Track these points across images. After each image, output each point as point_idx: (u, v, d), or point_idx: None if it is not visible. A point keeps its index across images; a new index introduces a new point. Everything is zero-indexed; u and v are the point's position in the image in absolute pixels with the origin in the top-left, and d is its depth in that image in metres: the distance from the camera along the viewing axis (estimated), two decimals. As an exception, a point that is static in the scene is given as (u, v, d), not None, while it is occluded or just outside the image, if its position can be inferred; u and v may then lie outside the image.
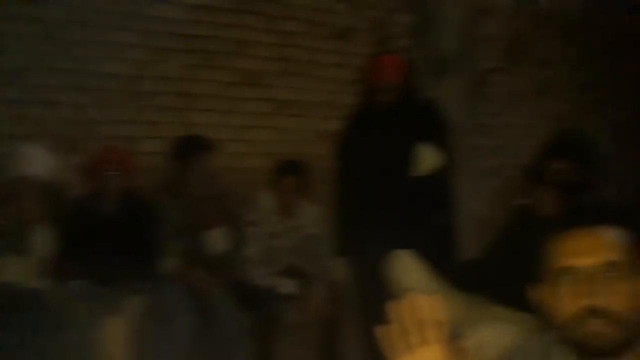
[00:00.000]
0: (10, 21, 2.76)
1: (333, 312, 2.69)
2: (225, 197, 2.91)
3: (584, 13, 5.16)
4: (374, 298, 2.15)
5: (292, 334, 2.75)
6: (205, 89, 3.30)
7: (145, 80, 3.11)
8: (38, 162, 2.40)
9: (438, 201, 2.53)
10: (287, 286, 2.67)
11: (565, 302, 0.96)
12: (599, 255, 0.95)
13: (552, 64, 4.96)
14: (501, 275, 2.12)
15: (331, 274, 2.78)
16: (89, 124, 2.94)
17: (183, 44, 3.19)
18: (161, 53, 3.13)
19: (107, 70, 2.99)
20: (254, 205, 2.75)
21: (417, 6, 4.01)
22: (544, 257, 1.02)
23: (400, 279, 2.16)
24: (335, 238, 2.72)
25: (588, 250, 0.96)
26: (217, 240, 2.69)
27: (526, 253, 1.53)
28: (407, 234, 2.33)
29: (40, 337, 2.11)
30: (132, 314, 2.32)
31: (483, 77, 4.39)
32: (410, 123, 2.54)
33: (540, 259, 1.03)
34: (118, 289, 2.33)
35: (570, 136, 2.53)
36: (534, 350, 1.08)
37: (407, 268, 2.18)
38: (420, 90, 2.91)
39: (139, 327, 2.19)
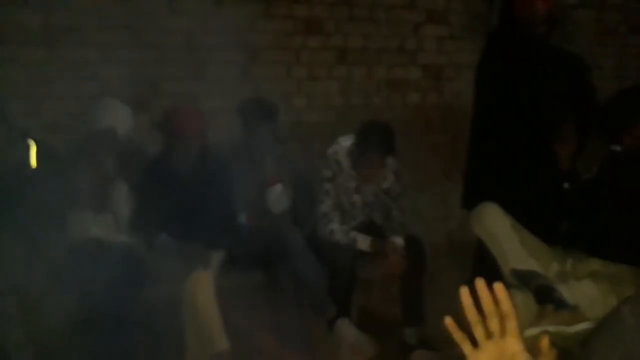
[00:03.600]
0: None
1: (412, 268, 2.56)
2: (289, 154, 2.84)
3: None
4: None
5: (370, 290, 2.68)
6: (265, 40, 3.16)
7: (205, 34, 3.01)
8: (118, 116, 2.39)
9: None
10: (364, 241, 2.55)
11: None
12: None
13: None
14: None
15: (408, 229, 2.66)
16: (152, 81, 2.90)
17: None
18: (219, 4, 3.00)
19: (167, 24, 2.91)
20: (329, 160, 2.63)
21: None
22: None
23: (489, 230, 2.00)
24: (464, 187, 2.66)
25: None
26: (277, 197, 2.67)
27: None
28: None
29: (130, 291, 2.12)
30: (215, 267, 2.33)
31: (565, 14, 4.00)
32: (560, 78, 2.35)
33: None
34: (200, 244, 2.34)
35: None
36: None
37: (496, 219, 2.01)
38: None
39: (221, 280, 2.19)
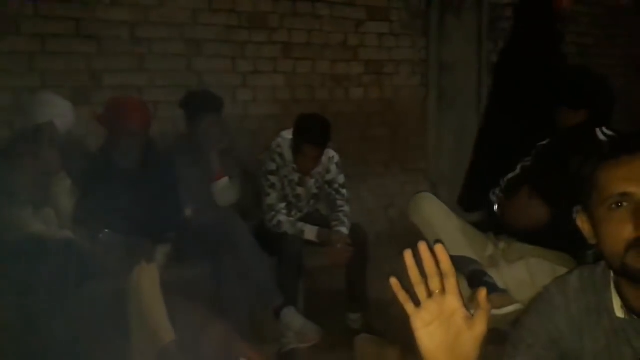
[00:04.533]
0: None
1: (356, 256, 2.65)
2: (234, 148, 2.86)
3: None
4: None
5: (316, 278, 2.74)
6: (209, 33, 3.16)
7: (149, 27, 2.97)
8: (58, 110, 2.32)
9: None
10: (311, 232, 2.62)
11: (621, 229, 0.93)
12: None
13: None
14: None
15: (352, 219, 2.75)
16: (95, 74, 2.84)
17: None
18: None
19: (108, 16, 2.85)
20: (273, 153, 2.67)
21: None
22: (592, 181, 0.98)
23: (425, 219, 2.09)
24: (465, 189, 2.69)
25: None
26: (223, 190, 2.67)
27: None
28: None
29: (70, 287, 2.09)
30: (159, 262, 2.32)
31: (496, 12, 4.21)
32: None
33: (586, 183, 1.00)
34: (144, 238, 2.33)
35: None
36: (586, 285, 1.05)
37: (432, 208, 2.12)
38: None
39: (165, 274, 2.17)
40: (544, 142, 2.17)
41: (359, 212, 3.21)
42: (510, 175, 2.16)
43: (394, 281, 0.79)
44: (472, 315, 0.79)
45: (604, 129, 2.03)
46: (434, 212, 2.09)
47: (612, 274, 1.00)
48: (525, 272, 1.95)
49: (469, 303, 1.85)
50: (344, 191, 2.79)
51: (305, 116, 2.69)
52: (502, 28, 4.27)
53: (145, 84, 2.98)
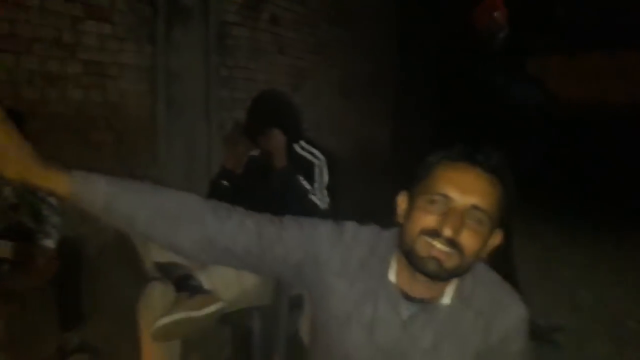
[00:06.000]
0: None
1: (66, 270, 2.45)
2: None
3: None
4: None
5: (17, 301, 2.45)
6: None
7: None
8: None
9: None
10: (4, 248, 2.32)
11: (426, 217, 1.00)
12: (479, 199, 0.99)
13: (288, 24, 5.27)
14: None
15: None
16: None
17: None
18: None
19: None
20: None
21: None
22: (427, 171, 1.04)
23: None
24: None
25: (472, 190, 0.99)
26: None
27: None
28: None
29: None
30: None
31: (223, 29, 4.42)
32: None
33: (422, 171, 1.05)
34: None
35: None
36: (373, 241, 1.11)
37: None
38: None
39: None
40: (254, 155, 2.36)
41: (80, 222, 2.99)
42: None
43: None
44: None
45: (302, 144, 2.29)
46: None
47: (396, 251, 1.07)
48: (232, 272, 2.05)
49: (175, 306, 1.88)
50: (51, 200, 2.56)
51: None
52: (231, 44, 4.52)
53: None
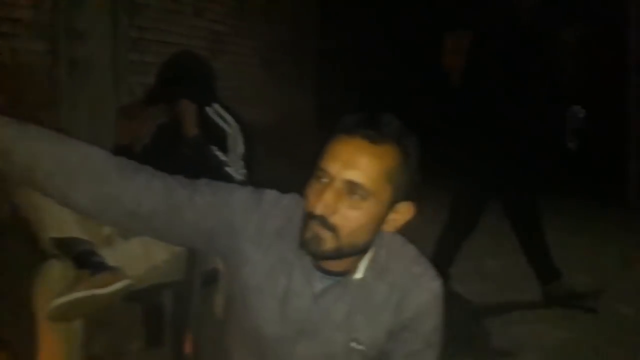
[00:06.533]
0: None
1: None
2: None
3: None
4: None
5: None
6: None
7: None
8: None
9: None
10: None
11: (311, 196, 0.95)
12: (357, 174, 0.93)
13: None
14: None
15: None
16: None
17: None
18: None
19: None
20: None
21: None
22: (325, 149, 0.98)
23: (30, 201, 1.86)
24: None
25: (349, 164, 0.93)
26: None
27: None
28: None
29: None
30: None
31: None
32: None
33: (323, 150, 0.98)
34: None
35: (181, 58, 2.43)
36: (289, 211, 1.05)
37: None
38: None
39: None
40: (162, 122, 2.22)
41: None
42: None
43: None
44: None
45: (216, 107, 2.17)
46: (39, 195, 1.88)
47: None
48: (140, 247, 1.94)
49: (75, 284, 1.74)
50: None
51: None
52: (141, 3, 4.22)
53: None
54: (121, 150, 2.16)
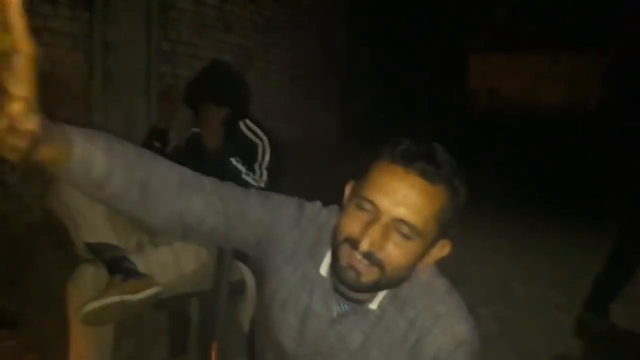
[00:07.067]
0: None
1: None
2: None
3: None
4: None
5: None
6: None
7: None
8: None
9: None
10: None
11: (352, 224, 0.92)
12: (409, 213, 0.89)
13: (236, 0, 5.11)
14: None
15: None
16: None
17: None
18: None
19: None
20: None
21: None
22: (369, 168, 0.95)
23: (65, 205, 1.91)
24: None
25: (402, 202, 0.89)
26: None
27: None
28: None
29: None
30: None
31: (166, 0, 4.22)
32: None
33: (368, 165, 0.96)
34: None
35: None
36: (320, 228, 1.04)
37: (73, 194, 1.94)
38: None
39: None
40: (196, 131, 2.26)
41: (4, 201, 2.77)
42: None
43: None
44: None
45: (247, 122, 2.21)
46: (74, 198, 1.93)
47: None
48: (170, 256, 1.97)
49: (107, 289, 1.77)
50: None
51: None
52: (174, 17, 4.32)
53: None
54: (158, 133, 2.24)
